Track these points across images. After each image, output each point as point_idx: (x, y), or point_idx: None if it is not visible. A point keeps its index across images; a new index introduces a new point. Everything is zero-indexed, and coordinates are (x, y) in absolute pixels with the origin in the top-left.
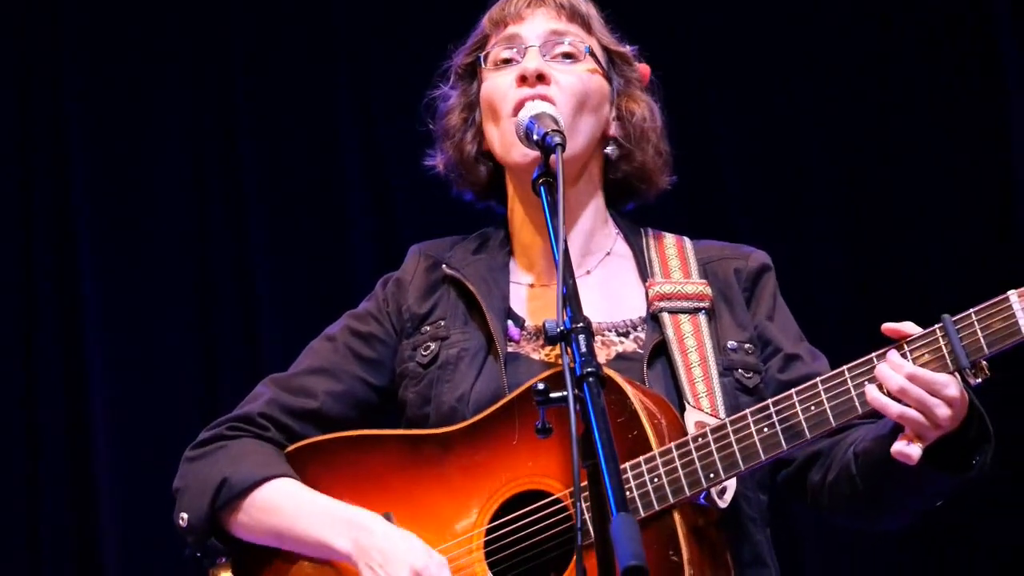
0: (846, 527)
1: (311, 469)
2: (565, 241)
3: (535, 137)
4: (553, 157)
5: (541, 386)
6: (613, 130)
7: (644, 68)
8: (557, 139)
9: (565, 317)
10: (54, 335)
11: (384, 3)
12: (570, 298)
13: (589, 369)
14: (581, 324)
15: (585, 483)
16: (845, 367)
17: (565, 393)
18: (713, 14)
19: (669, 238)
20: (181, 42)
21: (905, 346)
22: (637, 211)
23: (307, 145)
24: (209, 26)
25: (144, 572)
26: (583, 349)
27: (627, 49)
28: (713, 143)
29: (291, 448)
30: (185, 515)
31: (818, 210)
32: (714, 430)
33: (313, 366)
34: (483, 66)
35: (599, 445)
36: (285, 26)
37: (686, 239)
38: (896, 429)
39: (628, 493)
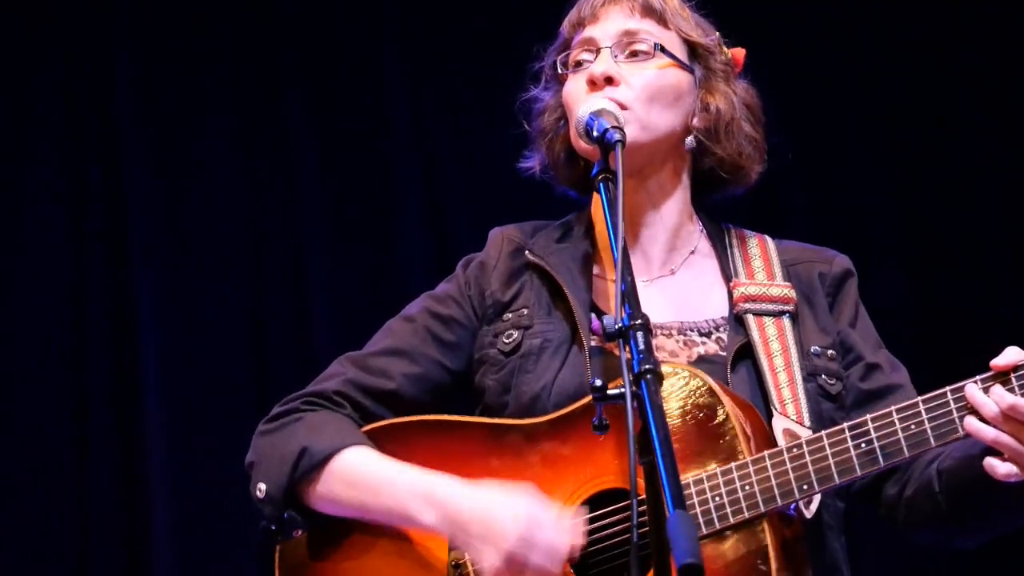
0: (921, 542)
1: (387, 450)
2: (625, 238)
3: (595, 134)
4: (613, 153)
5: (598, 382)
6: (696, 122)
7: (737, 53)
8: (617, 135)
9: (623, 314)
10: (107, 328)
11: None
12: (628, 295)
13: (647, 366)
14: (639, 321)
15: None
16: (948, 388)
17: (622, 390)
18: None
19: (752, 237)
20: (233, 46)
21: (1012, 376)
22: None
23: (359, 137)
24: (260, 29)
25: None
26: (641, 346)
27: (710, 39)
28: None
29: (367, 428)
30: (263, 486)
31: (880, 240)
32: (810, 442)
33: (391, 347)
34: (564, 69)
35: (656, 442)
36: (336, 28)
37: (768, 238)
38: (986, 450)
39: (717, 499)
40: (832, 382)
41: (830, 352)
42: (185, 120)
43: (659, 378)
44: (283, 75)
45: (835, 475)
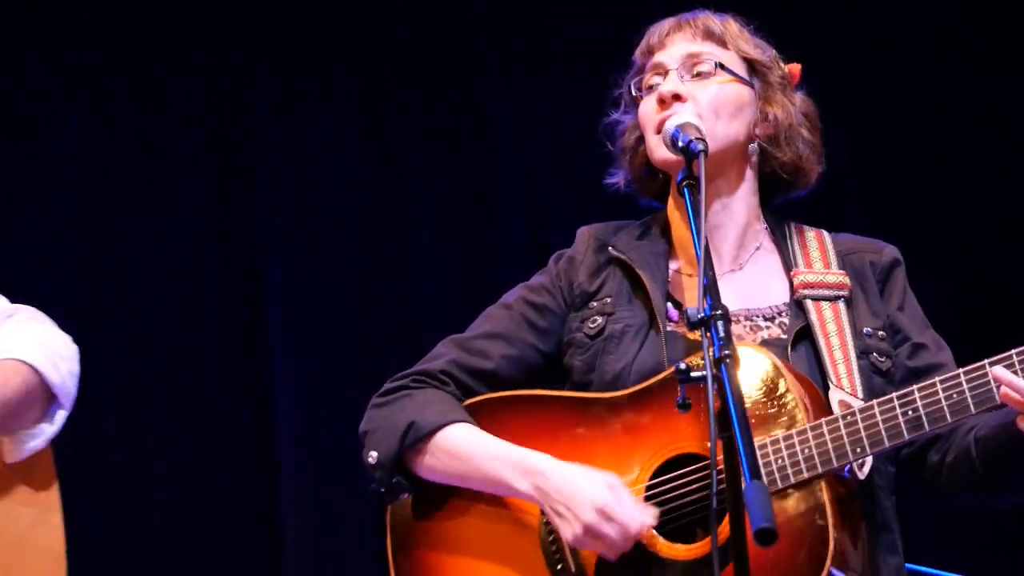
0: (958, 505)
1: (485, 422)
2: (706, 237)
3: (680, 144)
4: (696, 162)
5: (683, 365)
6: (758, 130)
7: (794, 68)
8: (700, 146)
9: (705, 305)
10: (245, 318)
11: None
12: (710, 288)
13: (726, 352)
14: (719, 311)
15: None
16: (987, 361)
17: (704, 373)
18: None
19: (810, 231)
20: (359, 77)
21: None
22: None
23: (469, 157)
24: (378, 65)
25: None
26: (721, 334)
27: (766, 56)
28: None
29: (467, 402)
30: (375, 453)
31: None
32: (862, 410)
33: (490, 331)
34: (639, 92)
35: (734, 419)
36: (449, 58)
37: (825, 232)
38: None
39: (779, 461)
40: (882, 359)
41: (881, 333)
42: (314, 137)
43: (737, 363)
44: (400, 97)
45: (885, 439)
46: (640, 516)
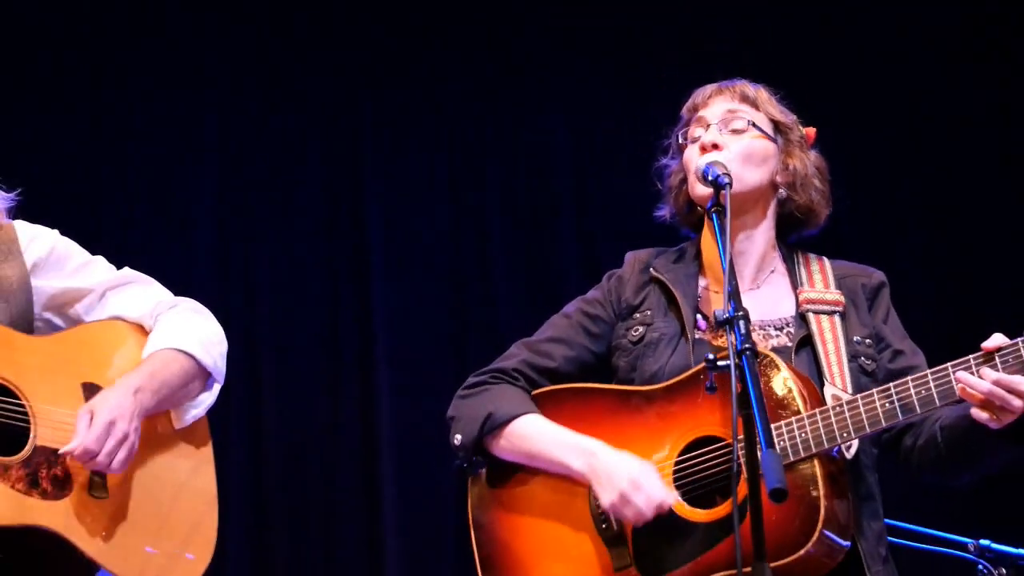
0: (926, 479)
1: (548, 408)
2: (731, 253)
3: (710, 178)
4: (723, 192)
5: (711, 356)
6: (779, 178)
7: (810, 131)
8: (726, 179)
9: (730, 307)
10: (353, 326)
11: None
12: (734, 295)
13: (747, 345)
14: (741, 313)
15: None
16: (949, 364)
17: (728, 362)
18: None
19: (814, 258)
20: (454, 120)
21: (996, 356)
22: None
23: (535, 199)
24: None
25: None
26: (743, 331)
27: (789, 119)
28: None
29: (535, 392)
30: (459, 436)
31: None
32: (848, 402)
33: (553, 336)
34: (684, 141)
35: (753, 400)
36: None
37: (825, 259)
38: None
39: (781, 443)
40: (868, 362)
41: (868, 341)
42: (410, 168)
43: (755, 355)
44: (475, 144)
45: (866, 426)
46: (664, 492)
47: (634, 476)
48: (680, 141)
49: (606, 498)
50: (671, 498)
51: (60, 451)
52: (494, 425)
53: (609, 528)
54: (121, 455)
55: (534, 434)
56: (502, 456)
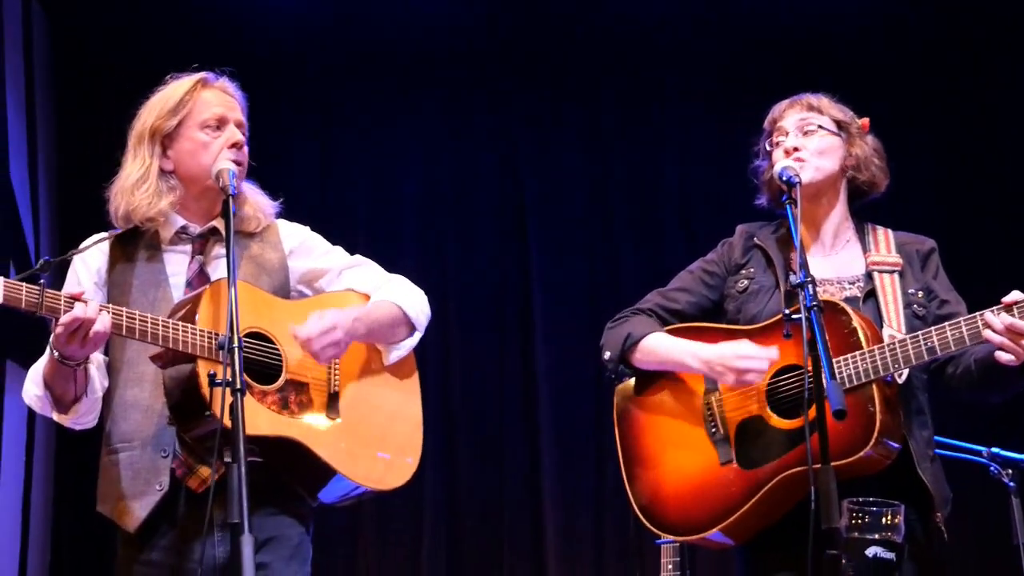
0: (964, 399)
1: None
2: (801, 237)
3: (784, 178)
4: (794, 188)
5: (787, 310)
6: (847, 163)
7: (864, 121)
8: (795, 179)
9: (800, 274)
10: (516, 298)
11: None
12: (803, 265)
13: (815, 303)
14: (810, 279)
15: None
16: (977, 313)
17: (800, 316)
18: None
19: (880, 229)
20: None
21: (1014, 308)
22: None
23: (639, 191)
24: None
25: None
26: (811, 292)
27: (847, 115)
28: None
29: (667, 328)
30: (608, 353)
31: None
32: (900, 341)
33: (680, 286)
34: (770, 147)
35: (820, 343)
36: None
37: (889, 230)
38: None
39: (847, 370)
40: (920, 309)
41: (920, 293)
42: (565, 186)
43: (821, 310)
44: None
45: (912, 358)
46: (763, 349)
47: (740, 352)
48: (767, 147)
49: (729, 379)
50: (773, 351)
51: (290, 328)
52: (632, 342)
53: (717, 431)
54: (329, 352)
55: (661, 346)
56: (639, 366)
